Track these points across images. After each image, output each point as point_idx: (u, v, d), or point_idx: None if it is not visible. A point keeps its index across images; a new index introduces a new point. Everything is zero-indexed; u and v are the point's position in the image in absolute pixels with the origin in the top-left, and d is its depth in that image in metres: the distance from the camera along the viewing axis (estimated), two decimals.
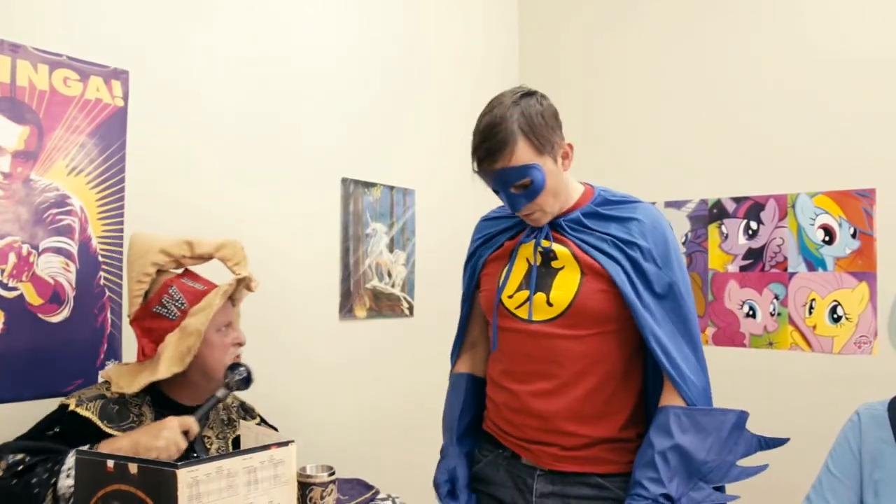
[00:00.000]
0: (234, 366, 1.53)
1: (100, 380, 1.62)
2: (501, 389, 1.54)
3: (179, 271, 1.59)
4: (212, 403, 1.48)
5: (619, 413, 1.47)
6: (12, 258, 1.61)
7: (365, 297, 2.48)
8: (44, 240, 1.65)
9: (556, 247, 1.46)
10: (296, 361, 2.25)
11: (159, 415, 1.50)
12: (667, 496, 1.35)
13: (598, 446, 1.46)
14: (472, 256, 1.66)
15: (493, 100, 1.44)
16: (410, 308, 2.66)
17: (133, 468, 1.10)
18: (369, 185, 2.51)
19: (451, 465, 1.59)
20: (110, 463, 1.12)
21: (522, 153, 1.37)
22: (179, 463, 1.09)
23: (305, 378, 2.29)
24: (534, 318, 1.45)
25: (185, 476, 1.09)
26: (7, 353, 1.59)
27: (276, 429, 1.74)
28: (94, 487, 1.13)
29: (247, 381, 1.53)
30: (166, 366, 1.45)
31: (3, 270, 1.60)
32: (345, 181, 2.42)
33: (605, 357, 1.45)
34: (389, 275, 2.58)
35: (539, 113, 1.39)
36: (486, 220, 1.68)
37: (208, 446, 1.56)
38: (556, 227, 1.48)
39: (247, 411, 1.72)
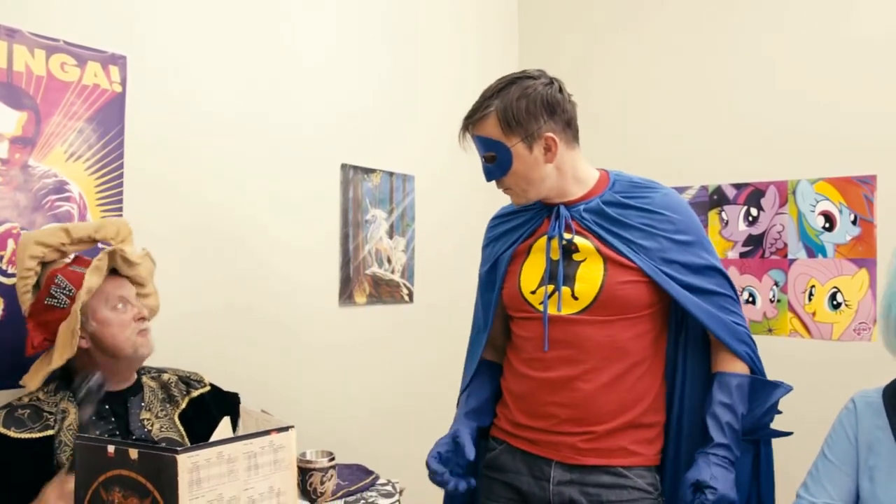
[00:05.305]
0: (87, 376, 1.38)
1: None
2: (524, 379, 1.53)
3: (68, 260, 1.54)
4: (89, 398, 1.36)
5: (643, 399, 1.48)
6: (11, 245, 1.60)
7: (364, 283, 2.48)
8: (42, 226, 1.65)
9: (578, 240, 1.48)
10: (296, 347, 2.26)
11: None
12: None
13: (621, 433, 1.47)
14: (491, 257, 1.63)
15: (507, 74, 1.50)
16: (410, 294, 2.67)
17: (133, 453, 1.11)
18: (369, 171, 2.50)
19: (453, 429, 1.55)
20: (111, 448, 1.13)
21: (490, 128, 1.46)
22: (179, 448, 1.10)
23: (305, 364, 2.29)
24: (561, 312, 1.47)
25: (186, 461, 1.09)
26: (7, 339, 1.59)
27: (237, 396, 1.72)
28: (96, 473, 1.14)
29: (98, 389, 1.37)
30: (59, 353, 1.42)
31: (2, 257, 1.60)
32: (344, 167, 2.41)
33: (630, 342, 1.47)
34: (389, 261, 2.58)
35: (521, 97, 1.44)
36: (497, 217, 1.68)
37: (149, 427, 1.53)
38: (575, 216, 1.49)
39: (189, 384, 1.66)
